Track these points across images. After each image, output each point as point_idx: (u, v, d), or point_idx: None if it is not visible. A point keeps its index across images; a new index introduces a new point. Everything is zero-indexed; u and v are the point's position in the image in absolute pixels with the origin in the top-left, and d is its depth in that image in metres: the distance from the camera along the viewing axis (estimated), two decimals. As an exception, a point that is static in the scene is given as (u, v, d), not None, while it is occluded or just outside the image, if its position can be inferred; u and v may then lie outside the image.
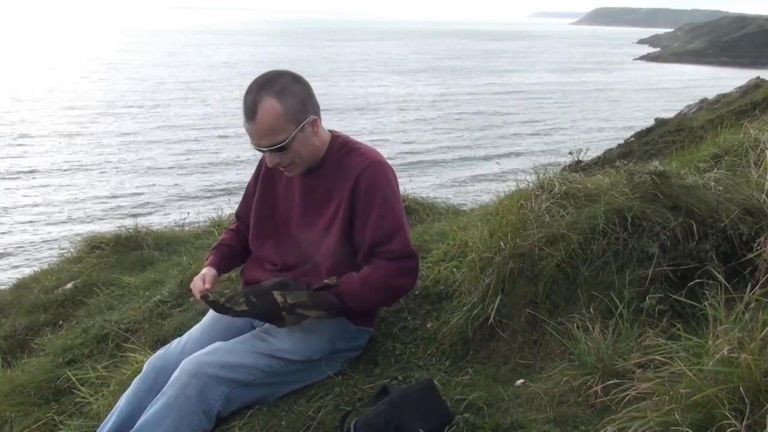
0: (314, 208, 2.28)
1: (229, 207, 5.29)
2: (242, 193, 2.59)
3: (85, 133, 29.33)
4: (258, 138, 2.14)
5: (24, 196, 20.89)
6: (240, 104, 2.20)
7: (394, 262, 2.20)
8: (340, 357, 2.33)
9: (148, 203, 20.45)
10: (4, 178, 22.72)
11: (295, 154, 2.19)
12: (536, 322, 2.28)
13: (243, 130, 2.21)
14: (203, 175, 24.03)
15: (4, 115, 32.26)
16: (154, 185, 22.23)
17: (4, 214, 18.90)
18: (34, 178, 22.98)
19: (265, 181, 2.42)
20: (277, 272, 2.32)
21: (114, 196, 20.83)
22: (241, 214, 2.55)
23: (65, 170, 23.85)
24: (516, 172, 2.84)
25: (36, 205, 19.81)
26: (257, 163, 2.50)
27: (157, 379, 2.12)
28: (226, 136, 29.83)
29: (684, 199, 2.31)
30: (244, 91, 2.17)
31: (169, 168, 24.47)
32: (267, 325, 2.25)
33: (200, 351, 2.10)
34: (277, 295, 2.09)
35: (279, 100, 2.11)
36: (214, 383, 2.04)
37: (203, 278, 2.28)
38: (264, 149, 2.17)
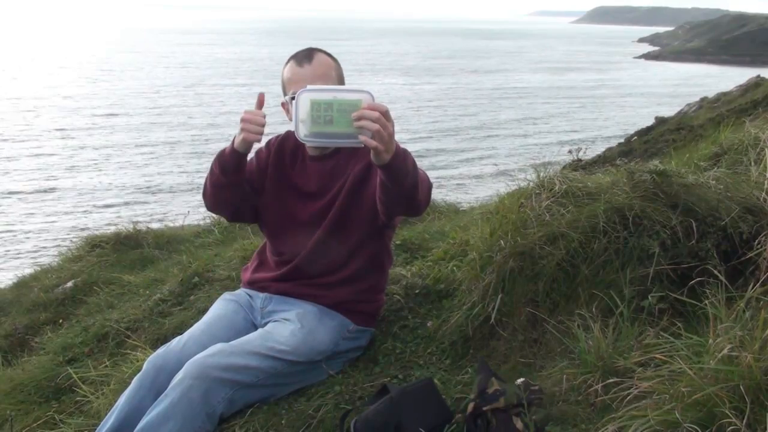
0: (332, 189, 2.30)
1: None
2: None
3: (86, 143, 28.44)
4: (309, 82, 2.16)
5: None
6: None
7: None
8: (342, 357, 2.34)
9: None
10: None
11: None
12: (537, 321, 2.28)
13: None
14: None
15: (5, 115, 31.95)
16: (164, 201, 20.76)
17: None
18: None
19: (276, 167, 2.39)
20: (283, 263, 2.37)
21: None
22: None
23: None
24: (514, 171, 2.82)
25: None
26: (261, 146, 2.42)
27: (157, 378, 2.11)
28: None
29: (684, 197, 2.31)
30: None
31: (175, 183, 23.28)
32: (269, 326, 2.25)
33: (203, 353, 2.08)
34: None
35: (332, 58, 2.31)
36: (217, 385, 2.03)
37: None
38: None
